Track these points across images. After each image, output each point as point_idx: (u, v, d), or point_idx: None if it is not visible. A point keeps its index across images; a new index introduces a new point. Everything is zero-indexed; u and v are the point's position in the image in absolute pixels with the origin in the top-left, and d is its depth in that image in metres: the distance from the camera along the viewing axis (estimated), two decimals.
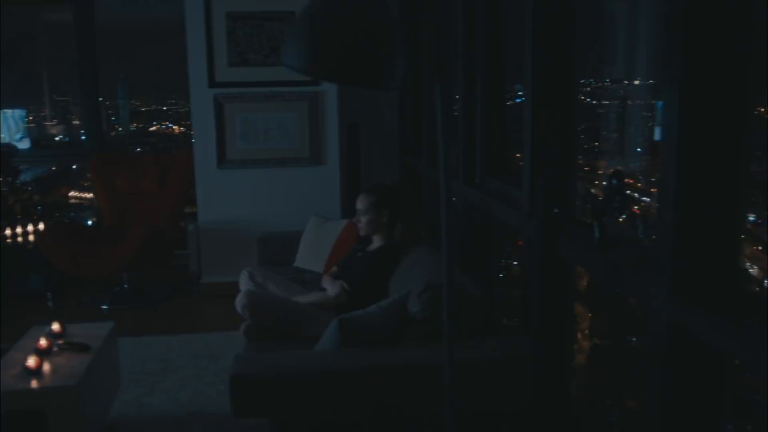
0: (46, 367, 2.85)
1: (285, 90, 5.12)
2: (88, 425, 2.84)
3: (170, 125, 7.59)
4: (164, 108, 7.62)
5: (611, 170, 2.28)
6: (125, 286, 5.28)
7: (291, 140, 5.19)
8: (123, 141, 7.42)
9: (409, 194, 4.77)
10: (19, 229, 5.61)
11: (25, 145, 6.86)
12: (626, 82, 3.42)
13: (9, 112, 6.95)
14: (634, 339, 3.32)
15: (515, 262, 4.28)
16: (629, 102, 3.39)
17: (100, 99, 6.15)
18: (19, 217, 5.75)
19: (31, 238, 5.65)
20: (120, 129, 7.57)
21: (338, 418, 2.49)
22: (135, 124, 7.61)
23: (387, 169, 5.77)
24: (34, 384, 2.72)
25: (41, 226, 5.66)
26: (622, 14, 3.58)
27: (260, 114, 5.14)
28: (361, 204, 3.50)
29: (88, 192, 7.30)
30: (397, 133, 5.86)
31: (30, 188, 6.71)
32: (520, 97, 3.79)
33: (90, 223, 6.82)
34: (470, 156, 3.93)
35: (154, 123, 7.66)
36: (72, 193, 7.33)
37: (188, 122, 7.46)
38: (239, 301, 3.24)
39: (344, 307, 3.29)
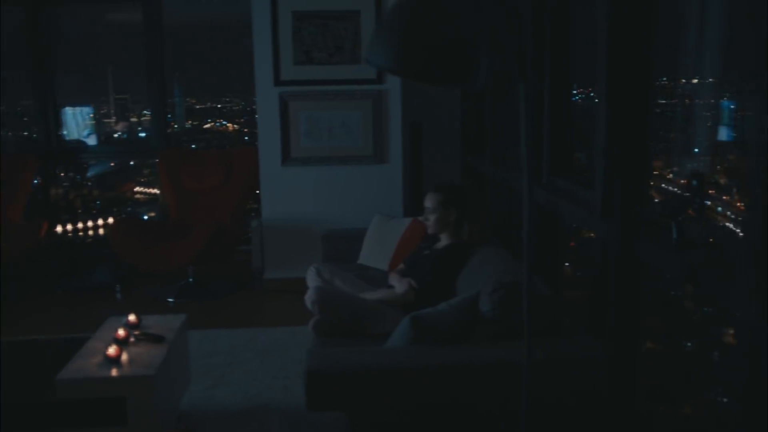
0: (125, 356, 2.93)
1: (349, 88, 5.17)
2: (163, 414, 2.91)
3: (224, 123, 7.69)
4: (218, 106, 7.74)
5: (670, 171, 2.25)
6: (190, 280, 5.40)
7: (354, 138, 5.23)
8: (179, 138, 7.57)
9: (476, 193, 4.76)
10: (80, 225, 5.77)
11: (91, 141, 7.05)
12: (683, 80, 3.35)
13: (75, 109, 7.13)
14: (689, 344, 3.27)
15: (566, 263, 4.24)
16: (687, 101, 3.33)
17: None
18: (79, 212, 5.91)
19: (90, 233, 5.82)
20: (176, 126, 7.72)
21: (410, 415, 2.51)
22: (190, 122, 7.74)
23: (449, 168, 5.77)
24: (114, 372, 2.81)
25: (100, 221, 5.81)
26: (689, 12, 3.53)
27: (324, 112, 5.19)
28: (429, 202, 3.51)
29: (146, 187, 7.49)
30: (460, 132, 5.85)
31: (89, 184, 6.90)
32: (576, 95, 3.78)
33: (146, 218, 6.99)
34: (537, 155, 3.91)
35: (209, 120, 7.78)
36: (131, 189, 7.51)
37: (242, 120, 7.58)
38: (309, 296, 3.28)
39: (411, 304, 3.31)
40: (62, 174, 6.36)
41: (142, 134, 7.49)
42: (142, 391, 2.78)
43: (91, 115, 7.64)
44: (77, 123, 7.27)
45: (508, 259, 3.31)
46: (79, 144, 6.72)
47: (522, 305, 2.75)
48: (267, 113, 5.21)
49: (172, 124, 7.72)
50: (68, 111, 6.87)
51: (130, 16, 6.88)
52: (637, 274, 2.64)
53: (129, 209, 7.30)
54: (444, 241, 3.54)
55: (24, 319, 4.94)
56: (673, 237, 2.27)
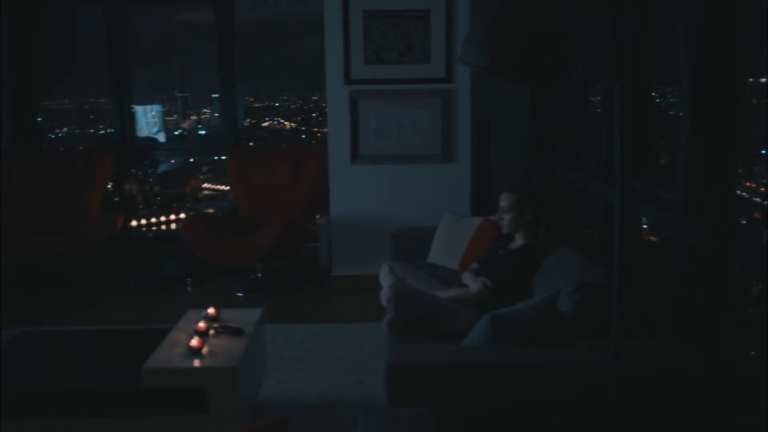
0: (206, 348, 3.00)
1: (418, 87, 5.18)
2: (243, 406, 2.97)
3: (281, 121, 7.77)
4: (276, 104, 7.83)
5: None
6: (259, 275, 5.49)
7: (423, 137, 5.24)
8: (237, 135, 7.69)
9: (552, 193, 4.72)
10: (153, 219, 5.92)
11: (161, 138, 7.22)
12: (751, 79, 3.26)
13: (146, 107, 7.30)
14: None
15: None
16: (754, 101, 3.24)
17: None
18: (140, 207, 6.06)
19: (163, 227, 5.97)
20: (186, 127, 7.84)
21: (491, 412, 2.51)
22: (248, 120, 7.85)
23: (516, 167, 5.73)
24: (197, 363, 2.88)
25: (172, 216, 5.96)
26: None
27: (394, 111, 5.22)
28: (504, 202, 3.50)
29: (213, 184, 7.62)
30: (527, 131, 5.80)
31: (151, 180, 7.08)
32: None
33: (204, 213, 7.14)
34: (611, 155, 3.86)
35: (266, 119, 7.88)
36: (192, 186, 7.66)
37: (299, 118, 7.65)
38: (384, 294, 3.31)
39: (485, 304, 3.31)
40: (134, 171, 6.55)
41: (202, 132, 7.63)
42: (224, 382, 2.85)
43: (154, 113, 7.84)
44: (147, 121, 7.46)
45: (585, 259, 3.28)
46: (151, 141, 6.90)
47: (603, 306, 2.76)
48: (337, 111, 5.26)
49: (183, 124, 7.85)
50: (139, 109, 7.05)
51: (197, 16, 7.04)
52: (728, 280, 2.60)
53: (188, 205, 7.45)
54: (519, 241, 3.52)
55: (101, 310, 5.10)
56: (764, 243, 2.22)
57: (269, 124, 7.77)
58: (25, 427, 2.87)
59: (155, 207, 6.96)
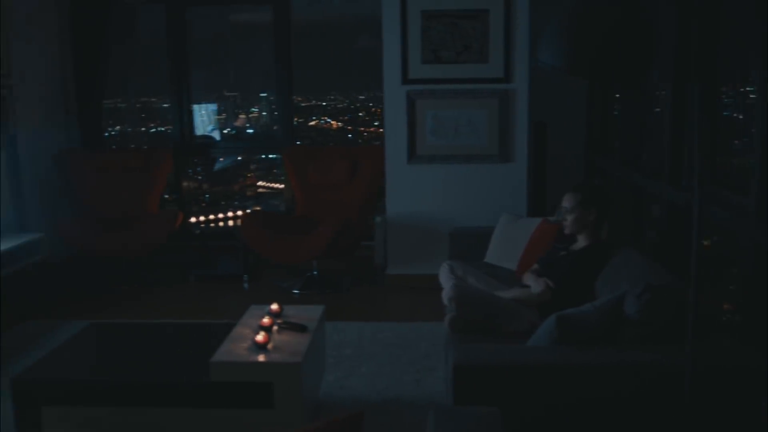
0: (271, 343, 3.04)
1: (476, 87, 5.18)
2: (306, 401, 3.01)
3: (328, 120, 7.81)
4: (323, 104, 7.88)
5: None
6: (314, 273, 5.54)
7: (480, 137, 5.23)
8: (293, 135, 7.74)
9: (616, 194, 4.66)
10: (211, 216, 6.02)
11: (216, 137, 7.34)
12: None
13: (201, 106, 7.42)
14: None
15: None
16: None
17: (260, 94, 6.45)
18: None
19: (221, 224, 6.07)
20: (241, 125, 7.90)
21: (558, 412, 2.50)
22: (296, 119, 7.91)
23: (573, 168, 5.69)
24: (263, 358, 2.93)
25: (230, 213, 6.05)
26: None
27: (451, 110, 5.22)
28: (567, 202, 3.47)
29: (261, 182, 7.71)
30: (584, 131, 5.75)
31: (200, 177, 7.19)
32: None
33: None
34: (677, 156, 3.81)
35: (313, 118, 7.93)
36: (241, 184, 7.76)
37: (345, 117, 7.68)
38: (446, 293, 3.31)
39: (547, 305, 3.30)
40: (191, 169, 6.68)
41: (250, 130, 7.72)
42: (289, 377, 2.88)
43: (204, 112, 7.95)
44: (203, 119, 7.59)
45: (650, 261, 3.24)
46: (207, 139, 7.01)
47: (669, 309, 2.73)
48: (394, 111, 5.28)
49: (238, 122, 7.92)
50: (195, 108, 7.17)
51: (249, 17, 7.14)
52: None
53: (236, 203, 7.54)
54: (582, 241, 3.49)
55: (161, 305, 5.21)
56: None
57: (316, 123, 7.83)
58: (94, 416, 2.95)
59: (203, 204, 7.08)
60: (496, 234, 4.48)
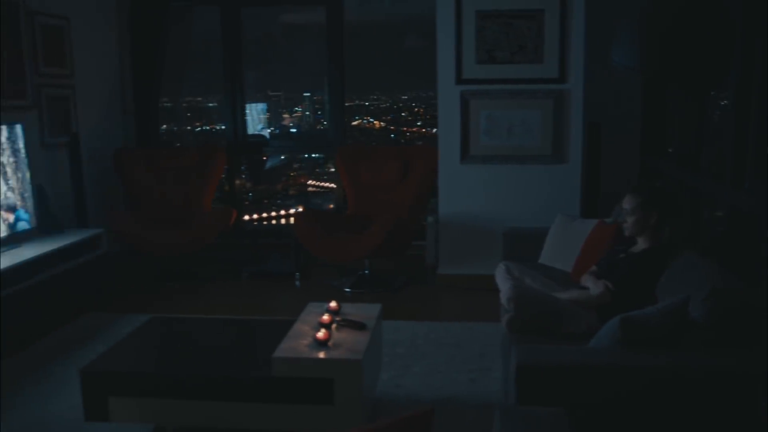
0: (331, 340, 3.08)
1: (530, 87, 5.16)
2: (365, 398, 3.04)
3: (371, 120, 7.83)
4: (366, 104, 7.90)
5: None
6: (366, 271, 5.58)
7: (534, 137, 5.21)
8: (326, 134, 7.76)
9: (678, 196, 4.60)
10: (264, 215, 6.09)
11: (266, 136, 7.42)
12: None
13: (251, 105, 7.52)
14: None
15: None
16: None
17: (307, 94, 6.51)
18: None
19: (274, 222, 6.13)
20: (325, 123, 7.95)
21: (619, 414, 2.48)
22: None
23: (627, 169, 5.62)
24: (324, 354, 2.96)
25: (283, 212, 6.11)
26: None
27: (504, 111, 5.21)
28: (628, 204, 3.44)
29: (300, 180, 7.78)
30: (640, 132, 5.67)
31: (243, 176, 7.27)
32: None
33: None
34: (740, 157, 3.74)
35: (356, 117, 7.95)
36: (284, 183, 7.84)
37: (388, 117, 7.69)
38: (505, 293, 3.31)
39: (606, 307, 3.27)
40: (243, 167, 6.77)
41: (293, 130, 7.78)
42: (350, 374, 2.92)
43: (249, 112, 8.04)
44: (252, 118, 7.68)
45: (713, 264, 3.19)
46: (259, 138, 7.10)
47: (736, 313, 2.69)
48: (448, 111, 5.29)
49: (321, 120, 7.98)
50: (254, 106, 7.27)
51: (298, 17, 7.21)
52: None
53: (279, 201, 7.61)
54: (642, 244, 3.45)
55: (215, 301, 5.30)
56: None
57: (359, 123, 7.87)
58: (158, 407, 3.02)
59: (246, 203, 7.16)
60: (551, 235, 4.45)
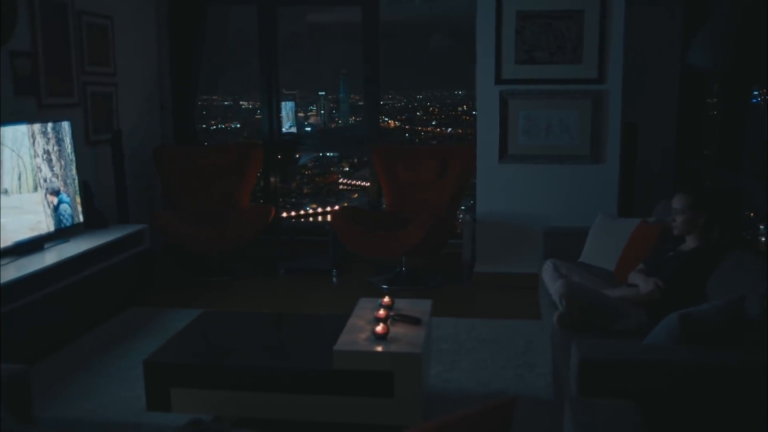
0: (389, 335, 3.14)
1: (569, 87, 5.20)
2: (423, 391, 3.10)
3: (386, 119, 7.87)
4: (381, 103, 7.97)
5: None
6: (403, 269, 5.64)
7: (572, 137, 5.26)
8: (342, 132, 7.82)
9: (727, 196, 4.64)
10: (302, 212, 6.17)
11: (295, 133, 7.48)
12: None
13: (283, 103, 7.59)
14: None
15: None
16: None
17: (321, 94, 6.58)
18: (261, 201, 6.29)
19: (311, 219, 6.20)
20: (340, 122, 8.00)
21: (680, 409, 2.53)
22: (353, 118, 7.98)
23: (663, 169, 5.66)
24: (385, 348, 3.03)
25: (320, 209, 6.18)
26: None
27: (543, 111, 5.26)
28: (677, 203, 3.48)
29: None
30: (676, 132, 5.71)
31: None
32: None
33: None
34: None
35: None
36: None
37: (403, 116, 7.73)
38: (557, 289, 3.37)
39: (655, 305, 3.32)
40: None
41: (308, 128, 7.83)
42: (409, 367, 2.98)
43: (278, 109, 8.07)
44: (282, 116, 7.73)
45: (765, 263, 3.23)
46: (292, 136, 7.17)
47: None
48: (486, 110, 5.34)
49: (337, 119, 8.04)
50: (287, 104, 7.34)
51: (326, 17, 7.28)
52: None
53: (293, 200, 7.67)
54: (691, 243, 3.50)
55: (255, 296, 5.37)
56: None
57: None
58: (219, 398, 3.09)
59: (280, 200, 7.22)
60: (592, 234, 4.50)
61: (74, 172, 4.94)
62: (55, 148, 4.74)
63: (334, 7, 7.03)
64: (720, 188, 4.89)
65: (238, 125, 7.88)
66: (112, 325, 4.76)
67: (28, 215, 4.48)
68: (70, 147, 4.88)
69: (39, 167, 4.59)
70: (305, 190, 7.95)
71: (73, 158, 4.91)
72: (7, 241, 4.26)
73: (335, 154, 7.96)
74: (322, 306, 5.12)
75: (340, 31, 7.57)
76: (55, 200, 4.73)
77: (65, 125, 4.84)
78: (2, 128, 4.24)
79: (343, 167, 8.02)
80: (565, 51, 5.18)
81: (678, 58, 5.52)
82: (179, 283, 5.70)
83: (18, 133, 4.41)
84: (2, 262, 4.15)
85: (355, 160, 7.98)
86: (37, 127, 4.55)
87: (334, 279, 5.76)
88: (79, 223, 5.00)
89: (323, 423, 3.10)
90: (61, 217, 4.78)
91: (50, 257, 4.36)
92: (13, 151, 4.40)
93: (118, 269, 4.94)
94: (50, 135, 4.68)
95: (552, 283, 3.67)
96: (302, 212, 6.12)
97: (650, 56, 5.53)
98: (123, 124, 5.82)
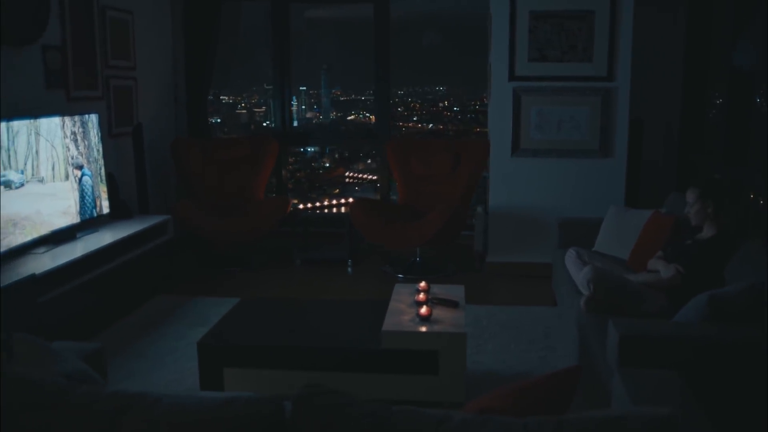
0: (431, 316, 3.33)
1: (580, 85, 5.42)
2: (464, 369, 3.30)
3: (367, 114, 7.99)
4: (362, 98, 8.08)
5: None
6: (417, 259, 5.84)
7: (582, 133, 5.48)
8: (324, 128, 7.94)
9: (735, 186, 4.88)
10: (317, 204, 6.34)
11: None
12: None
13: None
14: None
15: None
16: None
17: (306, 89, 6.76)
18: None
19: (326, 210, 6.36)
20: (321, 117, 8.12)
21: (713, 383, 2.75)
22: (335, 113, 8.12)
23: (668, 163, 5.90)
24: (430, 328, 3.22)
25: (335, 201, 6.35)
26: None
27: (554, 107, 5.47)
28: (689, 196, 3.72)
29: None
30: (680, 128, 5.95)
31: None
32: None
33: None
34: None
35: (352, 112, 8.06)
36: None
37: None
38: (585, 274, 3.57)
39: (676, 290, 3.55)
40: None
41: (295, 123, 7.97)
42: (454, 346, 3.18)
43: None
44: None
45: None
46: (301, 129, 7.32)
47: None
48: (499, 106, 5.55)
49: (318, 114, 8.17)
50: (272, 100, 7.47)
51: (323, 13, 7.42)
52: None
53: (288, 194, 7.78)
54: (708, 231, 3.72)
55: (274, 286, 5.53)
56: None
57: (355, 118, 8.00)
58: (270, 377, 3.26)
59: (273, 195, 7.36)
60: (606, 224, 4.71)
61: (101, 163, 5.07)
62: (84, 140, 4.87)
63: (343, 4, 7.17)
64: (726, 179, 5.13)
65: (218, 120, 7.95)
66: (140, 313, 4.90)
67: (60, 201, 4.61)
68: (96, 139, 5.01)
69: (70, 158, 4.72)
70: (289, 185, 8.09)
71: (101, 150, 5.05)
72: (45, 227, 4.39)
73: (316, 148, 8.00)
74: (340, 295, 5.29)
75: (333, 27, 7.66)
76: (79, 173, 4.84)
77: (93, 118, 4.97)
78: (39, 120, 4.37)
79: (324, 162, 8.09)
80: (576, 50, 5.40)
81: (681, 57, 5.77)
82: (198, 273, 5.85)
83: (52, 125, 4.54)
84: (40, 251, 4.28)
85: (336, 156, 8.08)
86: (68, 119, 4.68)
87: (350, 269, 5.94)
88: (106, 214, 5.13)
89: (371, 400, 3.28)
90: (85, 193, 4.87)
91: (84, 246, 4.49)
92: (48, 141, 4.54)
93: (145, 259, 5.08)
94: (79, 127, 4.81)
95: (577, 269, 3.88)
96: (317, 204, 6.28)
97: (655, 54, 5.77)
98: (142, 118, 5.95)
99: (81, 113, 4.84)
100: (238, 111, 8.01)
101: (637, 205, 5.38)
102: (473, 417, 1.65)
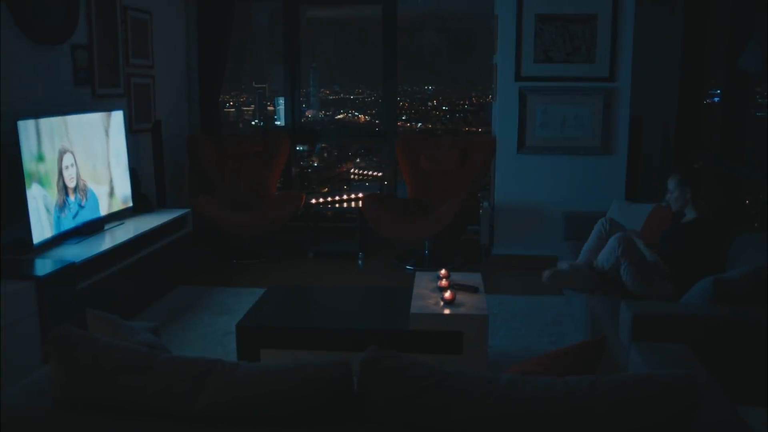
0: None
1: (583, 85, 5.67)
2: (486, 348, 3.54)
3: (356, 114, 8.13)
4: (351, 97, 8.21)
5: None
6: (426, 252, 6.07)
7: (585, 131, 5.74)
8: (312, 127, 8.12)
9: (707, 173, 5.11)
10: (329, 198, 6.55)
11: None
12: None
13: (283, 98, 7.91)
14: None
15: None
16: None
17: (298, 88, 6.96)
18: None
19: (337, 205, 6.57)
20: (309, 116, 8.30)
21: (720, 359, 3.01)
22: (323, 112, 8.21)
23: (666, 159, 6.17)
24: (453, 311, 3.46)
25: (345, 196, 6.56)
26: None
27: (559, 106, 5.72)
28: (669, 184, 3.99)
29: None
30: (676, 126, 6.21)
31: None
32: None
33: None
34: None
35: (341, 111, 8.18)
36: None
37: (373, 111, 7.98)
38: (617, 236, 3.82)
39: (679, 275, 3.80)
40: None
41: (278, 122, 8.12)
42: (477, 327, 3.42)
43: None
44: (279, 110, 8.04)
45: None
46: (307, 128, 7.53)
47: None
48: (506, 105, 5.80)
49: (307, 114, 8.34)
50: (279, 99, 7.67)
51: (321, 13, 7.61)
52: None
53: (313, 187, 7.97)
54: (689, 215, 3.97)
55: (288, 277, 5.74)
56: None
57: (344, 117, 8.14)
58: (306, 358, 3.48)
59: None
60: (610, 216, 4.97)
61: (126, 158, 5.27)
62: (109, 135, 5.07)
63: (353, 5, 7.38)
64: (702, 168, 5.39)
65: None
66: (164, 303, 5.10)
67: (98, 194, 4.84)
68: (121, 134, 5.21)
69: (103, 152, 4.93)
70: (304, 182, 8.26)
71: (125, 145, 5.25)
72: (78, 218, 4.60)
73: (305, 147, 8.12)
74: (355, 285, 5.51)
75: (324, 27, 7.79)
76: None
77: (119, 114, 5.17)
78: (69, 116, 4.58)
79: (313, 162, 8.24)
80: (579, 51, 5.65)
81: (678, 57, 6.03)
82: (214, 266, 6.06)
83: (93, 120, 4.78)
84: (72, 242, 4.48)
85: (326, 155, 8.23)
86: (99, 115, 4.89)
87: (360, 261, 6.16)
88: (129, 207, 5.33)
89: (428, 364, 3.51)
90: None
91: (113, 238, 4.70)
92: (95, 136, 4.76)
93: (168, 250, 5.29)
94: (106, 123, 5.01)
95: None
96: (329, 199, 6.49)
97: (652, 52, 6.02)
98: (159, 115, 6.14)
99: (104, 110, 5.04)
100: (226, 110, 8.15)
101: (637, 200, 5.64)
102: (518, 377, 1.89)
